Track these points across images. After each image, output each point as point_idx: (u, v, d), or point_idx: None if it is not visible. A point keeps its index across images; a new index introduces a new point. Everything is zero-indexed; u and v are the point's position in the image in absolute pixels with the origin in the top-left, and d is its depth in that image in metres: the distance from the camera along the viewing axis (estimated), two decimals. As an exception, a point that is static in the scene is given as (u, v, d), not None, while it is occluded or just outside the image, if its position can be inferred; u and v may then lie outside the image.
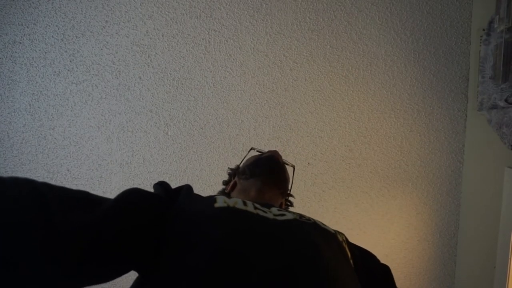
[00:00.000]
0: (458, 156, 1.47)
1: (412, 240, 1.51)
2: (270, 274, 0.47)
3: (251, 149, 1.00)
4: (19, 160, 1.53)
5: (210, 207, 0.57)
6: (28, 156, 1.53)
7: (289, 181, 0.86)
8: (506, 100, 1.02)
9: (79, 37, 1.49)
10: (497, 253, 1.12)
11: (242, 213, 0.57)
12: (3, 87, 1.50)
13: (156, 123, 1.52)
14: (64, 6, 1.47)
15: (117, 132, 1.52)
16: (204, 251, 0.49)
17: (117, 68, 1.50)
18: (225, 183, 0.93)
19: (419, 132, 1.48)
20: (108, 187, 1.54)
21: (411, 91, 1.47)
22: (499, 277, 1.10)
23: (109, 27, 1.49)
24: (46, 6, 1.47)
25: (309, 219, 0.64)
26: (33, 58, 1.49)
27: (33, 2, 1.47)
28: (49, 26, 1.48)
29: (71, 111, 1.52)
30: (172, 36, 1.49)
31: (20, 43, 1.48)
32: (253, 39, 1.49)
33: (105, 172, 1.54)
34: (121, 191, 0.55)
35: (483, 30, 1.21)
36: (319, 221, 0.67)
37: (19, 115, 1.51)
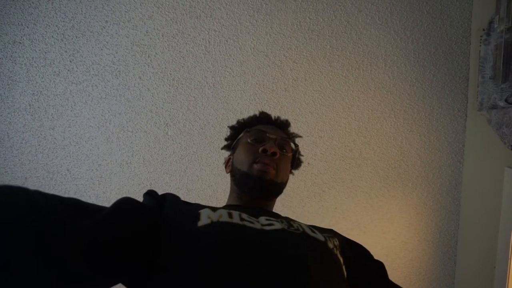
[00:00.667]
0: (458, 156, 1.47)
1: (412, 240, 1.51)
2: (255, 284, 0.47)
3: (246, 131, 0.85)
4: (19, 160, 1.53)
5: (193, 226, 0.56)
6: (28, 156, 1.53)
7: (283, 186, 0.80)
8: (506, 100, 1.02)
9: (79, 37, 1.49)
10: (497, 253, 1.12)
11: (227, 225, 0.56)
12: (3, 87, 1.50)
13: (156, 123, 1.52)
14: (64, 6, 1.47)
15: (117, 132, 1.52)
16: (189, 264, 0.50)
17: (117, 68, 1.50)
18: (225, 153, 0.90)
19: (419, 132, 1.48)
20: (108, 187, 1.54)
21: (411, 91, 1.47)
22: (499, 277, 1.10)
23: (109, 27, 1.49)
24: (46, 6, 1.47)
25: (297, 228, 0.62)
26: (33, 58, 1.49)
27: (33, 2, 1.46)
28: (49, 26, 1.48)
29: (71, 111, 1.52)
30: (172, 36, 1.49)
31: (20, 43, 1.48)
32: (253, 39, 1.49)
33: (105, 172, 1.54)
34: (115, 201, 0.55)
35: (483, 30, 1.21)
36: (310, 228, 0.66)
37: (19, 115, 1.51)
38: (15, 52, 1.48)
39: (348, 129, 1.50)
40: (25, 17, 1.47)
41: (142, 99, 1.52)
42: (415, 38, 1.45)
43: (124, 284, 0.53)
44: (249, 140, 0.79)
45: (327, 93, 1.49)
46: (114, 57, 1.50)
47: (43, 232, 0.41)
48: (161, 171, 1.54)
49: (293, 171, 0.90)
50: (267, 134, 0.79)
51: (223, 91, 1.51)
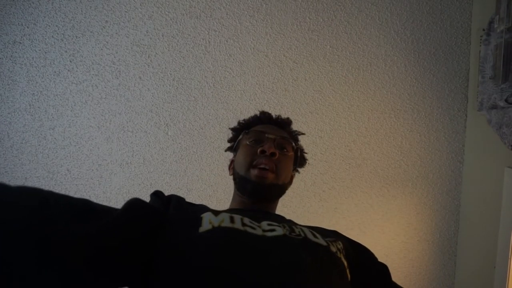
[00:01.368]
0: (458, 156, 1.47)
1: (412, 240, 1.51)
2: None
3: (244, 132, 0.83)
4: (19, 160, 1.53)
5: (195, 232, 0.56)
6: (28, 156, 1.53)
7: (285, 187, 0.80)
8: (506, 100, 1.02)
9: (79, 37, 1.49)
10: (497, 253, 1.12)
11: (229, 231, 0.56)
12: (3, 87, 1.50)
13: (156, 123, 1.52)
14: (64, 6, 1.47)
15: (117, 132, 1.53)
16: (187, 269, 0.50)
17: (117, 68, 1.50)
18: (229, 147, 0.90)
19: (419, 132, 1.48)
20: (108, 187, 1.54)
21: (411, 91, 1.47)
22: (499, 277, 1.10)
23: (109, 27, 1.49)
24: (46, 6, 1.47)
25: (299, 234, 0.62)
26: (33, 58, 1.49)
27: (33, 2, 1.47)
28: (49, 26, 1.48)
29: (71, 111, 1.52)
30: (172, 36, 1.49)
31: (20, 43, 1.48)
32: (253, 39, 1.49)
33: (105, 172, 1.54)
34: (125, 202, 0.56)
35: (483, 30, 1.21)
36: (312, 232, 0.65)
37: (19, 115, 1.51)
38: (15, 52, 1.48)
39: (348, 129, 1.50)
40: (25, 17, 1.47)
41: (142, 99, 1.52)
42: (415, 38, 1.45)
43: (126, 286, 0.53)
44: (247, 142, 0.79)
45: (327, 93, 1.49)
46: (114, 57, 1.50)
47: (47, 234, 0.42)
48: (161, 171, 1.54)
49: (298, 169, 0.89)
50: (266, 135, 0.78)
51: (223, 91, 1.51)
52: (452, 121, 1.46)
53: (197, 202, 0.73)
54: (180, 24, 1.49)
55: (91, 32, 1.49)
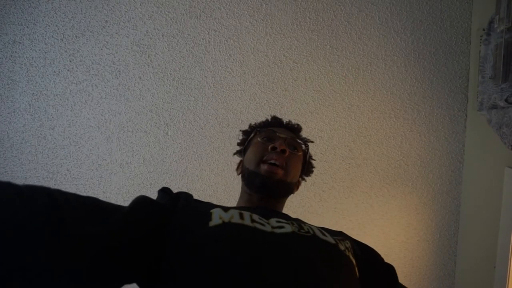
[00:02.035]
0: (458, 156, 1.47)
1: (412, 240, 1.51)
2: (265, 286, 0.47)
3: (256, 131, 0.85)
4: (19, 160, 1.53)
5: (205, 226, 0.56)
6: (28, 156, 1.53)
7: (293, 187, 0.80)
8: (506, 100, 1.02)
9: (79, 37, 1.49)
10: (497, 253, 1.12)
11: (238, 227, 0.56)
12: (3, 87, 1.50)
13: (156, 123, 1.52)
14: (64, 6, 1.47)
15: (117, 132, 1.52)
16: (198, 264, 0.50)
17: (117, 68, 1.50)
18: (239, 145, 0.91)
19: (419, 132, 1.48)
20: (108, 187, 1.54)
21: (411, 91, 1.47)
22: (499, 277, 1.10)
23: (109, 27, 1.49)
24: (46, 6, 1.47)
25: (308, 231, 0.62)
26: (33, 58, 1.49)
27: (33, 2, 1.46)
28: (49, 26, 1.48)
29: (71, 111, 1.52)
30: (172, 36, 1.49)
31: (20, 43, 1.48)
32: (253, 39, 1.49)
33: (105, 172, 1.54)
34: (130, 198, 0.57)
35: (483, 30, 1.21)
36: (320, 230, 0.65)
37: (19, 115, 1.51)
38: (15, 52, 1.48)
39: (348, 129, 1.50)
40: (25, 17, 1.47)
41: (142, 99, 1.52)
42: (415, 38, 1.45)
43: (137, 283, 0.53)
44: (259, 139, 0.80)
45: (327, 93, 1.49)
46: (114, 57, 1.50)
47: (57, 232, 0.42)
48: (161, 171, 1.54)
49: (304, 177, 0.90)
50: (277, 133, 0.80)
51: (223, 91, 1.51)
52: (452, 121, 1.46)
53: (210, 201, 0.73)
54: (180, 24, 1.49)
55: (91, 32, 1.49)
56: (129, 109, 1.52)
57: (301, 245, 0.57)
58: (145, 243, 0.52)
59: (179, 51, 1.50)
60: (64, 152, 1.53)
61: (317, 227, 0.67)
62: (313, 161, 0.92)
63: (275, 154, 0.74)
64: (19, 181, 1.53)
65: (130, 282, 0.50)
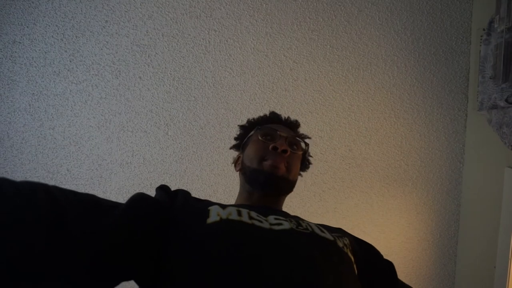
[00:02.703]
0: (458, 156, 1.47)
1: (412, 240, 1.51)
2: (264, 283, 0.47)
3: (257, 128, 0.84)
4: (19, 160, 1.53)
5: (202, 223, 0.56)
6: (28, 156, 1.53)
7: (293, 184, 0.80)
8: (506, 100, 1.02)
9: (79, 37, 1.49)
10: (497, 253, 1.12)
11: (236, 224, 0.56)
12: (3, 87, 1.50)
13: (156, 123, 1.52)
14: (64, 6, 1.47)
15: (117, 132, 1.52)
16: (197, 260, 0.50)
17: (117, 68, 1.50)
18: (234, 153, 0.90)
19: (419, 132, 1.48)
20: (108, 187, 1.54)
21: (411, 91, 1.47)
22: (499, 277, 1.10)
23: (109, 27, 1.49)
24: (46, 6, 1.47)
25: (306, 228, 0.62)
26: (33, 58, 1.49)
27: (33, 2, 1.46)
28: (49, 26, 1.48)
29: (71, 111, 1.52)
30: (172, 36, 1.49)
31: (20, 43, 1.48)
32: (253, 39, 1.49)
33: (105, 172, 1.54)
34: (129, 197, 0.56)
35: (483, 30, 1.21)
36: (318, 227, 0.65)
37: (19, 115, 1.51)
38: (15, 52, 1.48)
39: (348, 129, 1.50)
40: (25, 17, 1.47)
41: (142, 99, 1.52)
42: (415, 38, 1.45)
43: (136, 281, 0.53)
44: (260, 137, 0.79)
45: (327, 93, 1.49)
46: (114, 57, 1.50)
47: (55, 229, 0.42)
48: (161, 171, 1.54)
49: (301, 172, 0.90)
50: (278, 132, 0.79)
51: (223, 91, 1.51)
52: (452, 121, 1.46)
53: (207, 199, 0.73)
54: (180, 24, 1.49)
55: (91, 32, 1.49)
56: (129, 109, 1.52)
57: (299, 242, 0.57)
58: (143, 240, 0.52)
59: (179, 51, 1.50)
60: (64, 152, 1.53)
61: (316, 224, 0.67)
62: (310, 158, 0.92)
63: (275, 155, 0.74)
64: (19, 181, 1.53)
65: (129, 279, 0.50)
